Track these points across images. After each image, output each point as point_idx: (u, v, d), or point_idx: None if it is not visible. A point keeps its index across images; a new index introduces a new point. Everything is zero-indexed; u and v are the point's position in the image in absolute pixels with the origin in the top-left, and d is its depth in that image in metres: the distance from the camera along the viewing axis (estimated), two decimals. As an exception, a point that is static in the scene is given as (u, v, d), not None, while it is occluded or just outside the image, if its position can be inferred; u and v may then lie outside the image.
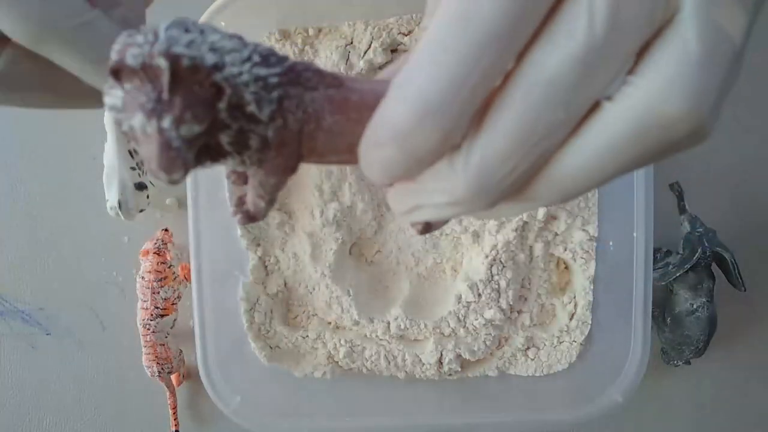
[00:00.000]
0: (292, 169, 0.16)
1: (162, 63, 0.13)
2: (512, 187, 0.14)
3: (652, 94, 0.13)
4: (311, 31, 0.42)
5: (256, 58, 0.14)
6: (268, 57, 0.14)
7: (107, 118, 0.43)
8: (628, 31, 0.13)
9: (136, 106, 0.13)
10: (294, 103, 0.14)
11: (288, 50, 0.42)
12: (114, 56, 0.13)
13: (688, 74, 0.13)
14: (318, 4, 0.42)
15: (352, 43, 0.42)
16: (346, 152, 0.16)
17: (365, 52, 0.41)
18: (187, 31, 0.13)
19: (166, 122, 0.13)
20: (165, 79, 0.13)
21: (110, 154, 0.43)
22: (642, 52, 0.14)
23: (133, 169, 0.43)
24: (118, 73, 0.13)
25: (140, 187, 0.44)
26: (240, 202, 0.18)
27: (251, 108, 0.14)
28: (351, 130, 0.15)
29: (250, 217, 0.18)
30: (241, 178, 0.18)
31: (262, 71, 0.14)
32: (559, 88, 0.13)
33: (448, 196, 0.15)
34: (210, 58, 0.13)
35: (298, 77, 0.14)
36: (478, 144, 0.14)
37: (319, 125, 0.15)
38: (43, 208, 0.49)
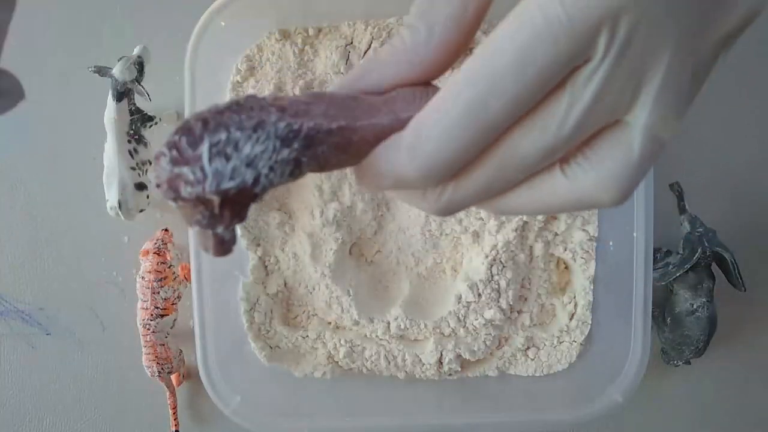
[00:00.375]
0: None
1: (214, 199, 0.16)
2: (466, 208, 0.19)
3: (597, 183, 0.17)
4: (311, 31, 0.42)
5: (278, 145, 0.16)
6: (287, 136, 0.16)
7: (107, 118, 0.43)
8: (589, 129, 0.17)
9: (193, 219, 0.16)
10: (309, 160, 0.17)
11: (288, 50, 0.42)
12: (167, 190, 0.16)
13: (627, 175, 0.17)
14: (318, 4, 0.42)
15: (352, 43, 0.42)
16: (345, 167, 0.19)
17: (365, 52, 0.41)
18: (227, 158, 0.15)
19: (220, 229, 0.16)
20: (216, 205, 0.16)
21: (110, 154, 0.43)
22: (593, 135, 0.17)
23: (133, 169, 0.43)
24: (173, 198, 0.16)
25: (140, 187, 0.44)
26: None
27: (278, 180, 0.17)
28: (352, 159, 0.18)
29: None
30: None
31: (285, 153, 0.16)
32: (526, 164, 0.17)
33: (416, 207, 0.20)
34: (250, 176, 0.16)
35: (312, 141, 0.17)
36: (449, 190, 0.18)
37: (326, 162, 0.18)
38: (43, 208, 0.49)
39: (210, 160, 0.15)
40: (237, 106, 0.16)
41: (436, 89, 0.18)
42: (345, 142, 0.17)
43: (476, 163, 0.17)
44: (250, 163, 0.15)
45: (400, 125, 0.18)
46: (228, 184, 0.15)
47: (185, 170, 0.15)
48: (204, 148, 0.15)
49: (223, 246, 0.17)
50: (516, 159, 0.17)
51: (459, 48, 0.18)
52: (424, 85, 0.18)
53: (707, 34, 0.16)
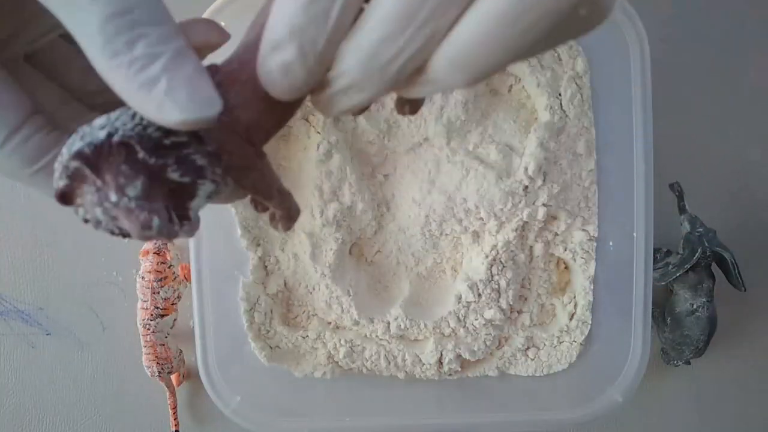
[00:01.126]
0: (257, 156, 0.18)
1: (73, 164, 0.16)
2: (407, 67, 0.15)
3: None
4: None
5: (140, 119, 0.16)
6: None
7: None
8: None
9: (93, 206, 0.16)
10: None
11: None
12: (54, 187, 0.16)
13: None
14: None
15: (352, 43, 0.42)
16: (284, 115, 0.18)
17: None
18: (81, 136, 0.16)
19: (113, 197, 0.15)
20: (84, 171, 0.15)
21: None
22: None
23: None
24: (68, 197, 0.16)
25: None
26: (272, 218, 0.22)
27: (166, 141, 0.16)
28: (255, 95, 0.17)
29: (289, 220, 0.21)
30: (261, 206, 0.22)
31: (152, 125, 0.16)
32: None
33: (349, 80, 0.16)
34: (101, 134, 0.15)
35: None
36: (364, 29, 0.15)
37: (231, 108, 0.17)
38: (43, 208, 0.49)
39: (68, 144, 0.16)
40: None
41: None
42: (231, 80, 0.17)
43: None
44: (104, 125, 0.16)
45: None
46: (78, 145, 0.16)
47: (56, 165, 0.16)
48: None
49: (135, 217, 0.16)
50: None
51: None
52: None
53: None
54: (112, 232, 0.17)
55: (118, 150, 0.15)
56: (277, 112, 0.18)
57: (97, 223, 0.16)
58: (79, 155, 0.15)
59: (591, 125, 0.44)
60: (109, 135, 0.15)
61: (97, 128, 0.16)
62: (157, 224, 0.16)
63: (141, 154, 0.16)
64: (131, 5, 0.15)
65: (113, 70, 0.15)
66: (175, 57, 0.15)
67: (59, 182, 0.16)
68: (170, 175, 0.16)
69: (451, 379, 0.46)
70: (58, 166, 0.16)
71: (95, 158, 0.15)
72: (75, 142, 0.16)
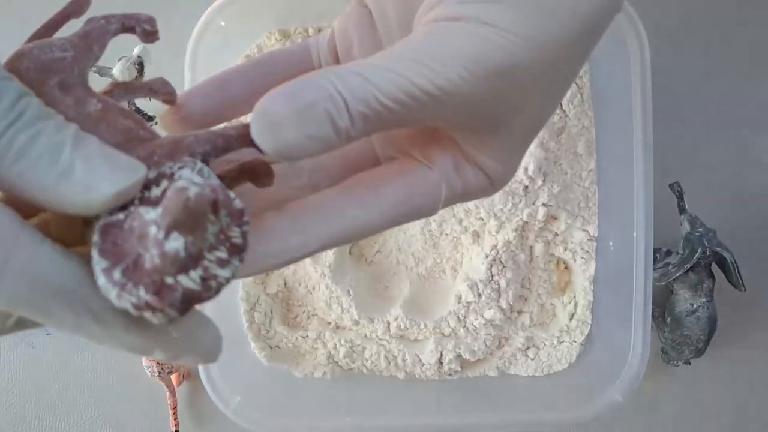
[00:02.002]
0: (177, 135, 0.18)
1: (117, 278, 0.15)
2: None
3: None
4: (311, 31, 0.42)
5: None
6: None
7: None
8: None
9: (163, 253, 0.14)
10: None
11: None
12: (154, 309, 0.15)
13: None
14: (318, 4, 0.42)
15: (352, 43, 0.42)
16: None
17: (365, 52, 0.41)
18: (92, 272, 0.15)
19: (153, 230, 0.15)
20: (126, 264, 0.15)
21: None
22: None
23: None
24: (159, 295, 0.15)
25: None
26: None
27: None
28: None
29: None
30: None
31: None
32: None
33: None
34: (94, 252, 0.15)
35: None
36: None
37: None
38: (43, 208, 0.49)
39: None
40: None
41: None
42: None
43: None
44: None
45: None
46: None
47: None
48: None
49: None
50: None
51: None
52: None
53: None
54: (206, 277, 0.15)
55: (112, 230, 0.15)
56: (124, 117, 0.18)
57: (203, 272, 0.15)
58: (107, 272, 0.15)
59: (591, 125, 0.44)
60: (97, 239, 0.15)
61: (94, 259, 0.15)
62: (185, 177, 0.15)
63: (121, 216, 0.15)
64: (21, 111, 0.15)
65: (23, 174, 0.14)
66: (77, 139, 0.15)
67: (143, 299, 0.14)
68: (154, 193, 0.16)
69: (451, 379, 0.46)
70: (120, 301, 0.15)
71: (114, 255, 0.15)
72: (97, 278, 0.15)
